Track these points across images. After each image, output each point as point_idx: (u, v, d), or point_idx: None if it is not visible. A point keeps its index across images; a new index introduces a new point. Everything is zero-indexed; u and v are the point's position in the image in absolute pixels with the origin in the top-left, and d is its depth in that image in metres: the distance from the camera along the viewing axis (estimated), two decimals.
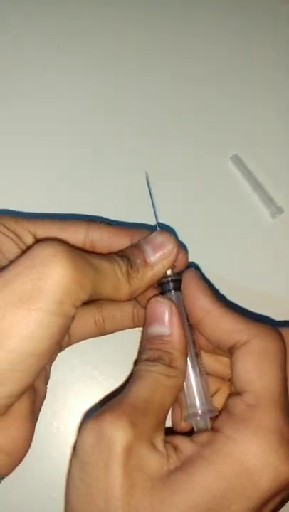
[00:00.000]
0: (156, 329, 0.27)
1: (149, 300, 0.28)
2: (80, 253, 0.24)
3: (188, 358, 0.27)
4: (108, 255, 0.26)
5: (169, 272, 0.28)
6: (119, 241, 0.29)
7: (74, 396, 0.36)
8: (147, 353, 0.26)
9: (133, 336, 0.37)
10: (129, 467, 0.22)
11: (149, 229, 0.30)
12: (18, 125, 0.40)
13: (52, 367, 0.36)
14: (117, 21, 0.43)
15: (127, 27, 0.43)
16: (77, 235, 0.29)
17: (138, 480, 0.22)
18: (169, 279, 0.28)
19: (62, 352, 0.36)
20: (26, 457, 0.35)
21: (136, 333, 0.37)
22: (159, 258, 0.27)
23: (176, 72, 0.43)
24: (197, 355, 0.28)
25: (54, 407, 0.35)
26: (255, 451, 0.22)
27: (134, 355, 0.36)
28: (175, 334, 0.26)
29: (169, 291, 0.28)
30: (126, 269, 0.26)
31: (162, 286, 0.29)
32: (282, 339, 0.25)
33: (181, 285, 0.28)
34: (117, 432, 0.22)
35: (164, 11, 0.44)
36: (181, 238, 0.39)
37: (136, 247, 0.28)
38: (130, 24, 0.43)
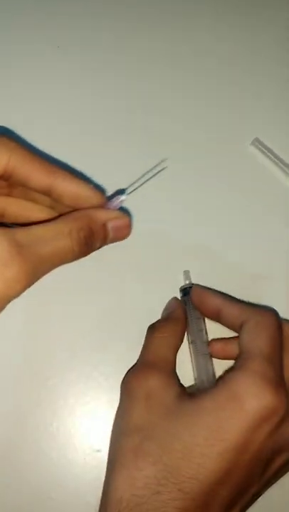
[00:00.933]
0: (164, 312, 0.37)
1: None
2: (32, 248, 0.24)
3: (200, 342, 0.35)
4: (68, 235, 0.26)
5: (187, 282, 0.38)
6: (40, 177, 0.28)
7: (74, 396, 0.36)
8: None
9: (133, 337, 0.37)
10: (148, 404, 0.30)
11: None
12: (18, 124, 0.40)
13: (51, 367, 0.36)
14: (117, 21, 0.43)
15: (127, 26, 0.43)
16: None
17: (154, 408, 0.30)
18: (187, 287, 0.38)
19: (63, 352, 0.36)
20: (26, 457, 0.35)
21: (136, 335, 0.37)
22: (114, 239, 0.30)
23: (186, 60, 0.42)
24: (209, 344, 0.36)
25: (54, 407, 0.35)
26: (245, 383, 0.28)
27: (134, 356, 0.36)
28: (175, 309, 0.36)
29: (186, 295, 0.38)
30: (79, 254, 0.27)
31: (184, 291, 0.38)
32: (275, 317, 0.31)
33: (192, 291, 0.37)
34: (138, 384, 0.32)
35: (165, 7, 0.44)
36: (210, 227, 0.39)
37: (103, 231, 0.29)
38: (130, 23, 0.43)
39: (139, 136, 0.41)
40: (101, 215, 0.29)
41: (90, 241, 0.28)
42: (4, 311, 0.36)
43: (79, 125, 0.41)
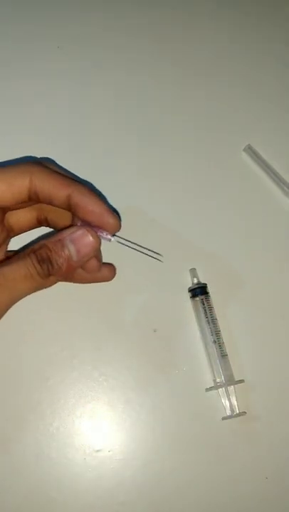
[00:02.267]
0: None
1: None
2: None
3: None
4: (24, 258, 0.29)
5: (195, 281, 0.37)
6: (58, 193, 0.30)
7: (74, 396, 0.36)
8: None
9: (134, 338, 0.37)
10: None
11: None
12: (18, 124, 0.40)
13: (51, 367, 0.36)
14: (117, 21, 0.43)
15: (127, 26, 0.43)
16: (22, 187, 0.30)
17: None
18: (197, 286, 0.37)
19: (63, 352, 0.36)
20: (26, 457, 0.35)
21: (137, 335, 0.37)
22: (82, 257, 0.30)
23: (181, 66, 0.43)
24: (215, 342, 0.36)
25: (54, 407, 0.35)
26: None
27: (134, 357, 0.36)
28: None
29: (197, 295, 0.37)
30: (42, 272, 0.29)
31: (192, 292, 0.37)
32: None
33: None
34: None
35: (165, 9, 0.44)
36: (200, 232, 0.39)
37: (61, 245, 0.29)
38: (130, 23, 0.43)
39: (137, 136, 0.41)
40: (58, 234, 0.30)
41: (48, 257, 0.29)
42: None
43: (78, 125, 0.41)
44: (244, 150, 0.41)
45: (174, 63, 0.43)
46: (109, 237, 0.31)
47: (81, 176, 0.39)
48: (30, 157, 0.39)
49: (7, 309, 0.29)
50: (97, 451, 0.35)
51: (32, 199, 0.30)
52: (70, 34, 0.43)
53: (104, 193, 0.39)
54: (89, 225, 0.30)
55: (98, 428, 0.36)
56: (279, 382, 0.37)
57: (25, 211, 0.33)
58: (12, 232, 0.34)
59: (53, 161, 0.39)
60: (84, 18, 0.43)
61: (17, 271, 0.28)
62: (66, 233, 0.30)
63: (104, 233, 0.31)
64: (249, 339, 0.37)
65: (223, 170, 0.41)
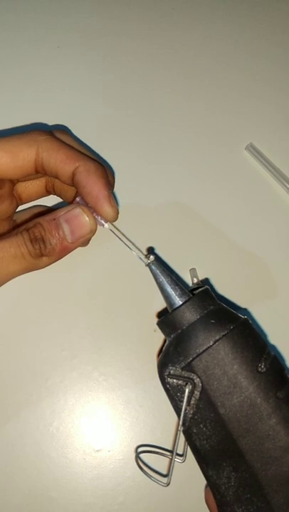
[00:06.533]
0: None
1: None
2: None
3: None
4: (16, 236, 0.26)
5: (195, 281, 0.34)
6: (65, 167, 0.28)
7: (74, 396, 0.36)
8: None
9: (133, 338, 0.37)
10: None
11: None
12: (18, 124, 0.40)
13: (51, 367, 0.36)
14: (117, 20, 0.43)
15: (127, 26, 0.43)
16: (28, 160, 0.28)
17: None
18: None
19: (63, 352, 0.36)
20: (26, 457, 0.35)
21: (136, 335, 0.37)
22: (77, 238, 0.28)
23: (183, 64, 0.42)
24: None
25: (54, 407, 0.36)
26: None
27: (134, 357, 0.36)
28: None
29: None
30: (34, 252, 0.27)
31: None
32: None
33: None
34: None
35: (165, 8, 0.44)
36: (201, 231, 0.39)
37: (55, 224, 0.27)
38: (131, 24, 0.43)
39: (137, 138, 0.41)
40: (54, 212, 0.28)
41: (42, 236, 0.27)
42: (5, 312, 0.37)
43: (78, 125, 0.41)
44: (246, 148, 0.41)
45: (175, 61, 0.43)
46: (103, 221, 0.29)
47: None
48: (40, 125, 0.39)
49: None
50: (97, 451, 0.35)
51: (39, 172, 0.28)
52: (70, 34, 0.43)
53: None
54: (87, 204, 0.28)
55: (98, 428, 0.36)
56: None
57: (34, 180, 0.31)
58: (20, 201, 0.32)
59: (65, 128, 0.38)
60: (84, 18, 0.43)
61: (6, 249, 0.26)
62: (62, 211, 0.28)
63: (100, 217, 0.29)
64: None
65: (225, 168, 0.41)
